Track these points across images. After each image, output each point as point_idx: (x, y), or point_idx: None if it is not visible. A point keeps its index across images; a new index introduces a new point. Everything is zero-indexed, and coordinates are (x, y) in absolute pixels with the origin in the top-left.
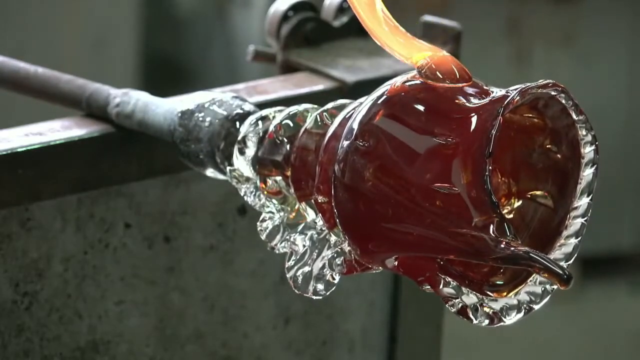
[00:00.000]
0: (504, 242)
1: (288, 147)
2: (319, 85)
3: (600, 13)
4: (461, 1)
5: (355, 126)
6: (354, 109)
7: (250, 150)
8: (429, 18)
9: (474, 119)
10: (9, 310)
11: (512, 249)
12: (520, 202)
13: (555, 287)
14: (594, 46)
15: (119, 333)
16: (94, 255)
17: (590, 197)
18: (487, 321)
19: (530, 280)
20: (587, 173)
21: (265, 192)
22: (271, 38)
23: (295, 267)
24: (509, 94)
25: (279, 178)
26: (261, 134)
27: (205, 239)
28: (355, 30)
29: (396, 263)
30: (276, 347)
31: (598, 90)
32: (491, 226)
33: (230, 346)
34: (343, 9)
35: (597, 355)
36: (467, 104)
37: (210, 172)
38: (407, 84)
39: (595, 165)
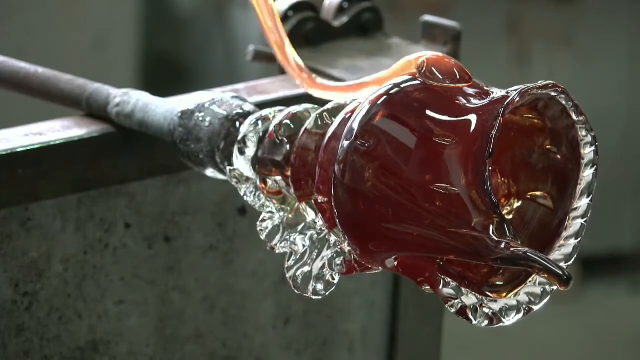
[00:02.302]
0: (503, 243)
1: (288, 147)
2: None
3: (600, 13)
4: (461, 1)
5: (356, 126)
6: (352, 110)
7: (251, 150)
8: (429, 18)
9: (474, 120)
10: (9, 310)
11: (512, 249)
12: (520, 202)
13: (554, 288)
14: (594, 46)
15: (119, 333)
16: (94, 255)
17: (590, 198)
18: (486, 322)
19: (530, 281)
20: (587, 174)
21: (265, 192)
22: None
23: (295, 267)
24: (509, 95)
25: (279, 178)
26: (261, 134)
27: (205, 239)
28: (355, 30)
29: (396, 263)
30: (276, 347)
31: (598, 90)
32: (491, 227)
33: (230, 346)
34: (343, 9)
35: (597, 355)
36: (467, 105)
37: (210, 172)
38: (408, 84)
39: (595, 166)
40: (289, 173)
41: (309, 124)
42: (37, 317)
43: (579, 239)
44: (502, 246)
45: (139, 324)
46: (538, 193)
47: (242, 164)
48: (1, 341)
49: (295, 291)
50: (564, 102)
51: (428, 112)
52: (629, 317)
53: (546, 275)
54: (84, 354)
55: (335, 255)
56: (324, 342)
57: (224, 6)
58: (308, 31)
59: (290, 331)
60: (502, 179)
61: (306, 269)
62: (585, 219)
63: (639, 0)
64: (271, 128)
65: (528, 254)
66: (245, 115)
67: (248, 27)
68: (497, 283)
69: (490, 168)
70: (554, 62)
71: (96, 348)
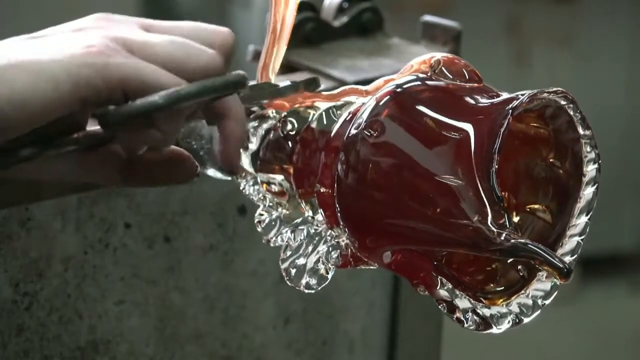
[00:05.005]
0: (504, 234)
1: (291, 143)
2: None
3: (600, 13)
4: (461, 1)
5: (364, 118)
6: (359, 107)
7: (254, 145)
8: (429, 18)
9: (482, 118)
10: (9, 310)
11: (513, 241)
12: (519, 217)
13: (546, 302)
14: (594, 46)
15: (119, 333)
16: (94, 255)
17: (588, 217)
18: (474, 327)
19: (523, 293)
20: (588, 192)
21: (265, 189)
22: None
23: (290, 260)
24: (518, 97)
25: (280, 177)
26: (264, 130)
27: (205, 239)
28: (355, 30)
29: (393, 258)
30: (276, 347)
31: (598, 90)
32: (489, 217)
33: (230, 346)
34: (343, 9)
35: (597, 355)
36: (476, 104)
37: (211, 172)
38: (416, 82)
39: (597, 184)
40: (291, 170)
41: (312, 121)
42: (37, 317)
43: (575, 257)
44: (503, 238)
45: (139, 324)
46: (537, 206)
47: (244, 159)
48: (1, 341)
49: (288, 283)
50: (571, 113)
51: (436, 110)
52: (629, 317)
53: (546, 267)
54: (84, 354)
55: (331, 248)
56: (324, 342)
57: (224, 6)
58: (308, 31)
59: (290, 331)
60: (503, 193)
61: (301, 261)
62: (582, 237)
63: (639, 0)
64: (275, 124)
65: (529, 245)
66: (247, 114)
67: (248, 27)
68: (492, 290)
69: (497, 166)
70: (554, 62)
71: (96, 348)
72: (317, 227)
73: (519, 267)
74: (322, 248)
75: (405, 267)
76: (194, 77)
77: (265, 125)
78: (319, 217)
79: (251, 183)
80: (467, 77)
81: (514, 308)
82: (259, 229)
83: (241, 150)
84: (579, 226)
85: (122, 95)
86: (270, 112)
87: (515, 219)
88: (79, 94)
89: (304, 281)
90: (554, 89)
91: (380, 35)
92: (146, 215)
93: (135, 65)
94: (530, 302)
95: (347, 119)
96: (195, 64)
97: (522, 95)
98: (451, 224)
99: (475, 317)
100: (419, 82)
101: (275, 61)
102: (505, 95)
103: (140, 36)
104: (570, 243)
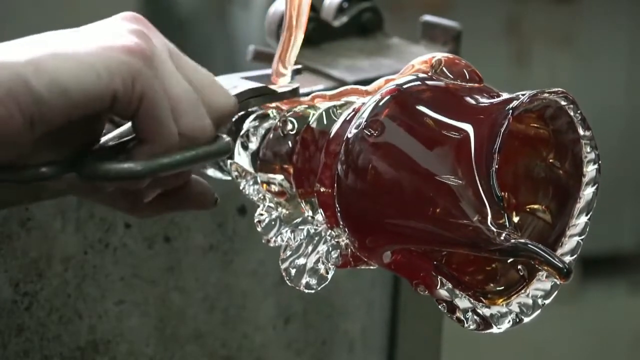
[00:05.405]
0: (504, 234)
1: (291, 143)
2: (319, 85)
3: (600, 13)
4: (461, 1)
5: (364, 117)
6: (359, 107)
7: (254, 145)
8: (429, 18)
9: (483, 118)
10: (9, 310)
11: (512, 240)
12: (518, 217)
13: (546, 301)
14: (594, 46)
15: (119, 333)
16: (94, 255)
17: (588, 217)
18: (475, 327)
19: (523, 293)
20: (588, 192)
21: (265, 189)
22: (271, 38)
23: (290, 260)
24: (519, 97)
25: (280, 177)
26: (264, 130)
27: (205, 239)
28: (355, 30)
29: (393, 258)
30: (276, 347)
31: (598, 90)
32: (489, 217)
33: (230, 346)
34: (343, 9)
35: (597, 355)
36: (477, 104)
37: (210, 172)
38: (417, 82)
39: (597, 185)
40: (291, 170)
41: (312, 121)
42: (37, 317)
43: (574, 257)
44: (502, 237)
45: (139, 324)
46: (537, 206)
47: (244, 159)
48: (1, 341)
49: (288, 283)
50: (572, 113)
51: (436, 109)
52: (629, 317)
53: (546, 267)
54: (84, 354)
55: (331, 248)
56: (324, 342)
57: (224, 6)
58: (308, 31)
59: (290, 331)
60: (503, 193)
61: (301, 261)
62: (582, 237)
63: (639, 0)
64: (275, 124)
65: (529, 245)
66: (247, 114)
67: (248, 27)
68: (492, 290)
69: (497, 166)
70: (554, 62)
71: (96, 348)
72: (317, 227)
73: (519, 266)
74: (322, 248)
75: (405, 267)
76: (180, 132)
77: (265, 125)
78: (319, 217)
79: (251, 183)
80: (468, 78)
81: (514, 308)
82: (259, 229)
83: (243, 150)
84: (579, 226)
85: (135, 110)
86: (271, 112)
87: (515, 219)
88: (113, 87)
89: (303, 281)
90: (555, 89)
91: (380, 35)
92: None
93: (160, 88)
94: (530, 301)
95: (347, 118)
96: (186, 126)
97: (523, 95)
98: (451, 224)
99: (475, 317)
100: (419, 82)
101: (292, 52)
102: (505, 96)
103: (165, 58)
104: (570, 243)
